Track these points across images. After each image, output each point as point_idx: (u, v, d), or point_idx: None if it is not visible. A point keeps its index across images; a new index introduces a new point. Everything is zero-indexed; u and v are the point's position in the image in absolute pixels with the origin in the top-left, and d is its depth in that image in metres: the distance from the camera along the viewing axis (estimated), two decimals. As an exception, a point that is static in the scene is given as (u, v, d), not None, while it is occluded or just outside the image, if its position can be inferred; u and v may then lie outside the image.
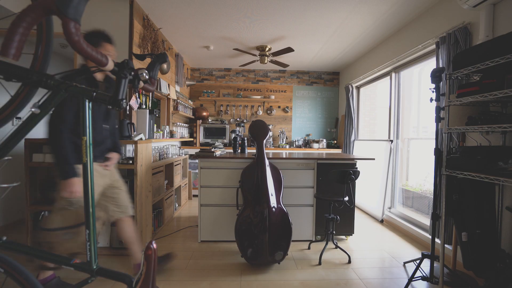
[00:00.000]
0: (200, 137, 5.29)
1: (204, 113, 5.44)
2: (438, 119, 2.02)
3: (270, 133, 2.47)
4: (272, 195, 2.41)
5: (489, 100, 1.80)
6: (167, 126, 3.96)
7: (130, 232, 1.94)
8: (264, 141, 2.71)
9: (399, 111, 3.72)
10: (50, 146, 1.63)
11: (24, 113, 1.03)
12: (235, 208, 2.71)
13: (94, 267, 1.04)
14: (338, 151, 5.29)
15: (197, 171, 4.83)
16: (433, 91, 2.04)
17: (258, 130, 2.75)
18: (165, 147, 3.61)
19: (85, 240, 1.04)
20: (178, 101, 4.55)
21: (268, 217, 2.30)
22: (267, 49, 4.36)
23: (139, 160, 2.39)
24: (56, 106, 1.72)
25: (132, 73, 1.03)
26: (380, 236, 3.14)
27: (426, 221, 2.98)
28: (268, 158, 2.84)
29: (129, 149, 2.67)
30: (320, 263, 2.39)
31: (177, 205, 3.99)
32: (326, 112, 5.92)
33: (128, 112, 2.92)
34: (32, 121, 1.01)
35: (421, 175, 3.45)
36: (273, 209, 2.36)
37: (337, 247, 2.60)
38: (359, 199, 4.25)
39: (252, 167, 2.55)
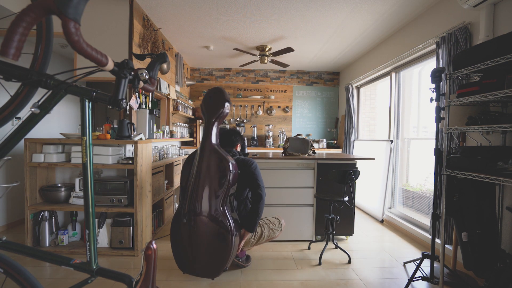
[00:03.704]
0: (200, 137, 5.29)
1: (204, 113, 5.43)
2: (438, 119, 2.02)
3: (227, 108, 1.97)
4: (207, 197, 1.86)
5: (489, 100, 1.80)
6: (167, 126, 3.96)
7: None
8: (215, 120, 1.94)
9: (399, 111, 3.72)
10: (261, 207, 2.02)
11: (24, 113, 1.03)
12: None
13: (94, 267, 1.04)
14: (338, 151, 5.28)
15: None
16: (433, 91, 2.03)
17: (209, 101, 1.99)
18: (165, 147, 3.61)
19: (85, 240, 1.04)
20: (178, 101, 4.55)
21: (194, 225, 1.83)
22: (267, 49, 4.36)
23: (139, 160, 2.39)
24: (259, 174, 2.09)
25: (132, 73, 1.03)
26: (380, 236, 3.14)
27: (426, 221, 2.98)
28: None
29: (129, 149, 2.67)
30: (320, 263, 2.39)
31: (177, 205, 3.99)
32: (326, 112, 5.92)
33: (128, 112, 2.92)
34: (31, 121, 1.01)
35: (422, 175, 3.45)
36: (203, 216, 1.84)
37: (337, 247, 2.60)
38: (359, 199, 4.25)
39: (192, 156, 2.01)
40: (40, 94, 1.02)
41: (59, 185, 2.58)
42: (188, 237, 1.87)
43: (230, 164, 1.86)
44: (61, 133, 2.60)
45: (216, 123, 1.96)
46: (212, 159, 1.89)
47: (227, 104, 1.97)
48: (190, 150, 4.97)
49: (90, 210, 1.04)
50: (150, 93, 3.38)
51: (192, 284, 2.03)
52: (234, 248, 1.88)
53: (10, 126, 1.94)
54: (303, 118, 5.89)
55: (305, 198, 2.88)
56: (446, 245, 2.47)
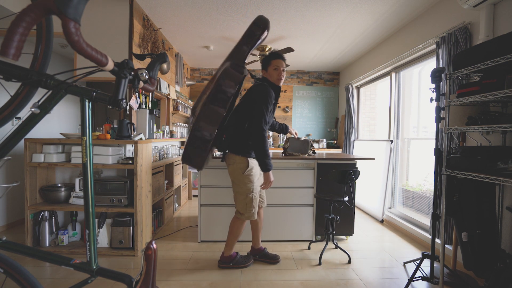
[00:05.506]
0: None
1: (204, 113, 5.43)
2: (438, 119, 2.02)
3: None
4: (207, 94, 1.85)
5: (489, 100, 1.80)
6: (167, 126, 3.96)
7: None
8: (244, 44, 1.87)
9: (399, 111, 3.72)
10: (256, 142, 1.92)
11: (24, 113, 1.03)
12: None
13: (94, 267, 1.04)
14: (338, 151, 5.29)
15: (197, 171, 4.82)
16: (433, 91, 2.03)
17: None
18: (165, 147, 3.61)
19: (86, 240, 1.04)
20: (178, 101, 4.55)
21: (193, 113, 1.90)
22: (267, 49, 4.36)
23: (139, 160, 2.39)
24: (259, 106, 1.95)
25: (132, 73, 1.03)
26: (380, 236, 3.14)
27: (426, 221, 2.98)
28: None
29: (129, 149, 2.67)
30: (320, 263, 2.39)
31: (177, 205, 3.99)
32: (326, 112, 5.92)
33: (128, 112, 2.92)
34: (31, 121, 1.01)
35: (421, 175, 3.45)
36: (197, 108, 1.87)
37: (337, 247, 2.60)
38: (359, 199, 4.25)
39: None
40: (40, 94, 1.02)
41: (59, 185, 2.58)
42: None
43: (230, 67, 1.77)
44: (61, 133, 2.60)
45: (245, 46, 1.86)
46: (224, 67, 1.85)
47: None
48: (190, 150, 4.96)
49: (90, 210, 1.04)
50: (150, 93, 3.38)
51: (192, 284, 2.03)
52: (194, 143, 1.71)
53: (10, 126, 1.94)
54: (303, 118, 5.89)
55: (305, 198, 2.88)
56: (446, 245, 2.47)
